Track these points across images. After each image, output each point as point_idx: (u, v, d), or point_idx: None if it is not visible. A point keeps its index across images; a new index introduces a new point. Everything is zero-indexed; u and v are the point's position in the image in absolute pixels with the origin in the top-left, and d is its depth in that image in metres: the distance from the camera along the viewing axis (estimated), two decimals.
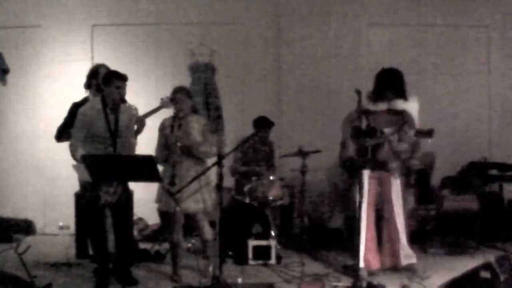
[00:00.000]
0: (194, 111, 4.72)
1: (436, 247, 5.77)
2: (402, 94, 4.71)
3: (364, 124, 4.68)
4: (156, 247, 5.71)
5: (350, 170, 4.76)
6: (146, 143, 4.75)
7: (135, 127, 4.74)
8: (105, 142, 4.37)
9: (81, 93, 5.38)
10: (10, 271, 4.26)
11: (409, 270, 4.77)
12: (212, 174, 4.48)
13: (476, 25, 7.06)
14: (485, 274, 3.71)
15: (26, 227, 6.82)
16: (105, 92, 4.42)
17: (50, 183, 6.83)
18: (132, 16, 7.01)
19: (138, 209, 5.60)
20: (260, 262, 5.20)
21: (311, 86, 6.96)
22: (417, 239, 5.97)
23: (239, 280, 4.53)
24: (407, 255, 4.78)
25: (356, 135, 4.71)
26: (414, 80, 7.05)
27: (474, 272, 3.79)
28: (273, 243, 5.24)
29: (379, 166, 4.70)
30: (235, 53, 7.03)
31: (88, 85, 5.15)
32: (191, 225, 4.91)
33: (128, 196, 4.53)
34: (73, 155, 4.45)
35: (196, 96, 6.65)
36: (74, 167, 4.51)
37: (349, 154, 4.75)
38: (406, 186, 6.10)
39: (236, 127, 6.78)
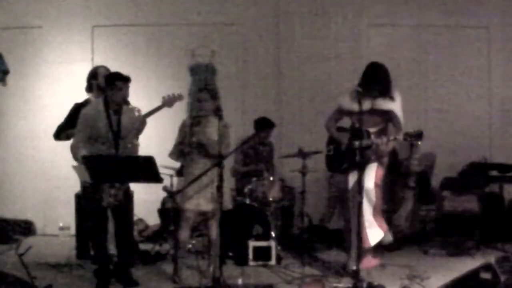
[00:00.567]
0: (218, 113, 4.71)
1: (436, 247, 5.77)
2: (387, 92, 4.59)
3: (355, 125, 4.61)
4: (157, 248, 5.71)
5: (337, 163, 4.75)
6: (146, 144, 4.76)
7: (138, 122, 4.73)
8: (107, 143, 4.37)
9: (81, 94, 5.38)
10: (10, 272, 4.26)
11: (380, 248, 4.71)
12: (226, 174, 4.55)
13: (476, 25, 7.06)
14: (486, 275, 3.70)
15: (27, 228, 6.83)
16: (108, 93, 4.42)
17: (50, 184, 6.83)
18: (132, 17, 7.01)
19: (138, 210, 5.61)
20: (260, 263, 5.20)
21: (311, 86, 6.96)
22: (417, 239, 5.99)
23: (240, 281, 4.52)
24: (374, 233, 4.60)
25: (343, 135, 4.72)
26: (414, 80, 7.10)
27: (475, 273, 3.79)
28: (273, 244, 5.24)
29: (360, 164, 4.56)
30: (235, 53, 7.03)
31: (89, 88, 5.15)
32: (194, 225, 4.91)
33: (128, 197, 4.53)
34: (75, 156, 4.45)
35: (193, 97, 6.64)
36: (74, 167, 4.52)
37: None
38: (405, 187, 6.13)
39: (236, 128, 6.73)
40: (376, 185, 4.62)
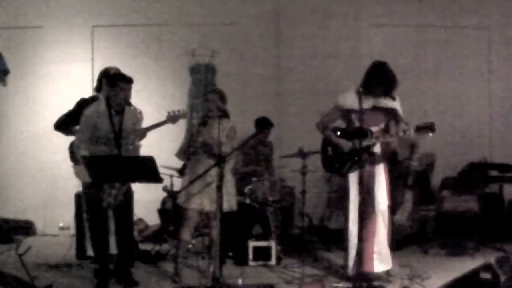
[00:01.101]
0: (225, 115, 4.71)
1: (436, 247, 5.77)
2: (392, 91, 4.59)
3: (356, 124, 4.51)
4: (157, 247, 5.71)
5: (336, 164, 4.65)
6: (146, 144, 4.76)
7: (141, 123, 4.73)
8: (109, 144, 4.37)
9: (81, 94, 5.38)
10: (10, 272, 4.26)
11: (380, 277, 4.56)
12: (229, 174, 4.56)
13: (477, 26, 7.06)
14: (485, 275, 3.70)
15: (27, 228, 6.83)
16: (110, 94, 4.42)
17: (50, 184, 6.84)
18: (132, 17, 7.01)
19: (138, 210, 5.60)
20: (260, 263, 5.20)
21: (311, 86, 6.96)
22: (417, 239, 5.99)
23: (239, 281, 4.52)
24: (383, 259, 4.54)
25: (346, 137, 4.56)
26: (414, 80, 7.10)
27: (474, 273, 3.79)
28: (273, 244, 5.24)
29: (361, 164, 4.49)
30: (235, 53, 7.03)
31: (99, 88, 5.14)
32: (195, 225, 4.91)
33: (128, 197, 4.53)
34: (72, 156, 4.45)
35: (196, 97, 6.66)
36: (75, 168, 4.52)
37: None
38: (404, 187, 6.12)
39: (236, 128, 6.75)
40: (388, 206, 4.61)
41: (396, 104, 4.62)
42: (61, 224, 6.70)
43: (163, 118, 5.00)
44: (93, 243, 4.72)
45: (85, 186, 4.67)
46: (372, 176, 4.55)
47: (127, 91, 4.46)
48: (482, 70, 7.10)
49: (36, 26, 6.95)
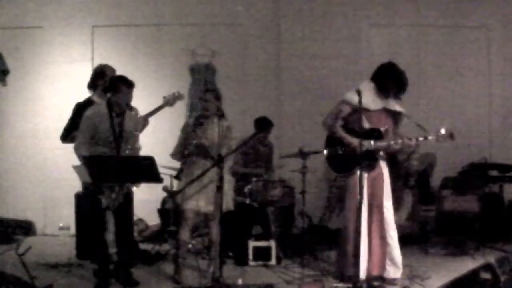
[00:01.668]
0: (221, 114, 4.70)
1: (436, 247, 5.77)
2: (400, 95, 4.58)
3: (365, 124, 4.46)
4: (157, 248, 5.71)
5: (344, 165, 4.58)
6: (146, 144, 4.75)
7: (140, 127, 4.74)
8: (109, 146, 4.37)
9: (81, 94, 5.38)
10: (10, 272, 4.26)
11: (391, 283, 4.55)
12: (226, 175, 4.54)
13: (476, 25, 7.06)
14: (485, 275, 3.70)
15: (27, 228, 6.83)
16: (112, 97, 4.41)
17: (50, 184, 6.84)
18: (132, 17, 7.01)
19: (138, 210, 5.60)
20: (261, 263, 5.21)
21: (311, 86, 6.96)
22: (417, 239, 5.99)
23: (240, 281, 4.52)
24: (395, 265, 4.55)
25: (359, 136, 4.38)
26: (414, 80, 7.05)
27: (474, 273, 3.79)
28: (273, 244, 5.25)
29: (373, 166, 4.52)
30: (235, 53, 7.03)
31: (92, 86, 5.14)
32: (194, 225, 4.92)
33: (128, 198, 4.53)
34: (79, 158, 4.45)
35: (196, 97, 6.65)
36: (75, 168, 4.51)
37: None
38: (405, 187, 6.12)
39: (236, 128, 6.73)
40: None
41: (403, 108, 4.62)
42: (61, 224, 6.70)
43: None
44: (92, 243, 4.72)
45: (85, 186, 4.67)
46: (380, 175, 4.55)
47: (129, 95, 4.46)
48: (482, 70, 7.10)
49: (36, 26, 6.95)
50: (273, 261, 5.21)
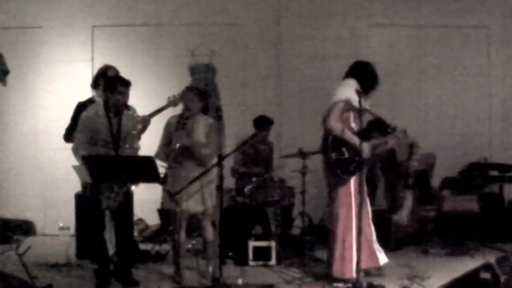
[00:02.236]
0: (204, 111, 4.67)
1: (436, 247, 5.77)
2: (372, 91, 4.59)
3: (352, 124, 4.46)
4: (157, 248, 5.71)
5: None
6: (146, 144, 4.76)
7: (140, 126, 4.73)
8: (107, 146, 4.37)
9: (81, 94, 5.38)
10: (10, 271, 4.26)
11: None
12: (214, 175, 4.50)
13: (476, 25, 7.06)
14: (485, 275, 3.71)
15: (27, 228, 6.83)
16: (108, 97, 4.42)
17: (50, 184, 6.84)
18: (132, 17, 7.01)
19: (138, 210, 5.60)
20: (260, 263, 5.21)
21: (311, 86, 6.95)
22: (417, 239, 5.99)
23: (239, 281, 4.53)
24: (381, 254, 4.58)
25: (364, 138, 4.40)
26: (414, 80, 7.10)
27: (474, 272, 3.79)
28: (273, 244, 5.25)
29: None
30: (235, 53, 7.02)
31: (95, 85, 5.15)
32: (192, 225, 4.92)
33: (128, 197, 4.53)
34: (76, 158, 4.45)
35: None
36: (75, 168, 4.51)
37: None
38: (405, 187, 6.12)
39: (236, 128, 6.77)
40: None
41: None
42: (61, 224, 6.70)
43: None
44: (92, 244, 4.72)
45: (85, 186, 4.67)
46: (363, 181, 4.55)
47: (125, 94, 4.46)
48: (482, 70, 7.10)
49: (36, 26, 6.95)
50: (273, 261, 5.21)
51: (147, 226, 6.56)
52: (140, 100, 5.24)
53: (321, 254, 5.60)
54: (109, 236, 4.59)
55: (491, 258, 3.92)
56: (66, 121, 5.18)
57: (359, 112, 4.28)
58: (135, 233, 6.04)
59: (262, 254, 5.22)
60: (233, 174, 6.15)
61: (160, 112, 5.01)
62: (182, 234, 4.72)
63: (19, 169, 6.97)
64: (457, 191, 6.13)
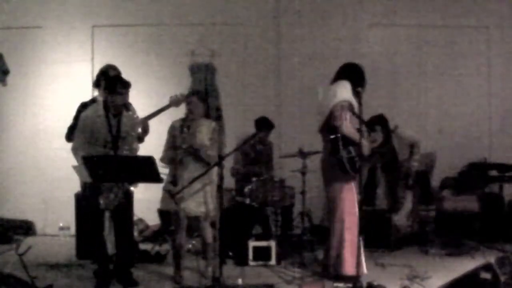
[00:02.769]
0: (206, 115, 4.70)
1: (436, 247, 5.77)
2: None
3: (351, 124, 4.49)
4: (157, 248, 5.71)
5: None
6: (146, 144, 4.76)
7: (139, 130, 4.73)
8: (107, 146, 4.37)
9: (81, 94, 5.38)
10: (10, 272, 4.26)
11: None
12: (215, 176, 4.50)
13: (476, 25, 7.07)
14: (485, 275, 3.70)
15: (27, 228, 6.83)
16: (108, 98, 4.42)
17: (50, 184, 6.84)
18: (132, 17, 7.01)
19: (138, 210, 5.60)
20: (261, 263, 5.20)
21: (311, 86, 6.95)
22: (417, 239, 5.99)
23: (239, 281, 4.52)
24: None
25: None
26: (414, 80, 7.11)
27: (474, 273, 3.79)
28: (273, 244, 5.24)
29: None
30: (235, 53, 7.03)
31: (97, 85, 5.15)
32: (192, 226, 4.92)
33: (128, 197, 4.53)
34: (76, 158, 4.46)
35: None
36: (75, 168, 4.51)
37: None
38: (405, 187, 6.13)
39: (236, 128, 6.78)
40: None
41: None
42: (61, 224, 6.70)
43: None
44: (91, 244, 4.72)
45: (85, 186, 4.67)
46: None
47: (125, 95, 4.46)
48: (482, 70, 7.11)
49: (36, 26, 6.95)
50: (273, 261, 5.21)
51: (147, 226, 6.56)
52: (140, 100, 5.25)
53: (321, 254, 5.60)
54: (109, 236, 4.58)
55: (491, 258, 3.91)
56: (66, 121, 5.18)
57: (357, 112, 4.30)
58: (135, 233, 6.04)
59: (262, 254, 5.22)
60: (233, 174, 6.15)
61: (162, 112, 5.00)
62: (183, 235, 4.72)
63: (19, 169, 6.97)
64: (457, 191, 6.13)
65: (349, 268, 4.45)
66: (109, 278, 4.48)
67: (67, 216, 6.24)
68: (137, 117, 4.67)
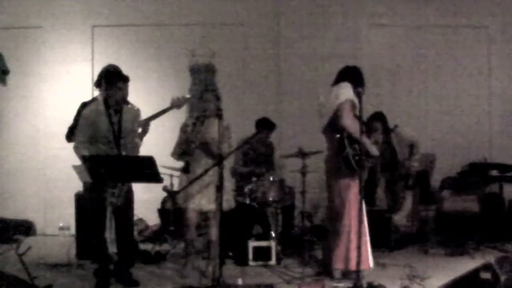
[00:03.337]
0: (219, 115, 4.73)
1: (436, 247, 5.77)
2: None
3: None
4: (157, 248, 5.71)
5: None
6: (146, 144, 4.75)
7: (140, 129, 4.73)
8: (108, 143, 4.37)
9: (81, 94, 5.38)
10: (10, 272, 4.26)
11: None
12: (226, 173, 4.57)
13: (476, 25, 7.07)
14: (485, 275, 3.71)
15: (27, 228, 6.84)
16: (107, 93, 4.42)
17: (50, 184, 6.84)
18: (132, 17, 7.02)
19: (138, 210, 5.59)
20: (261, 263, 5.20)
21: (311, 86, 6.95)
22: (417, 239, 5.99)
23: (240, 281, 4.52)
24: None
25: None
26: (414, 80, 7.11)
27: (475, 273, 3.80)
28: (273, 244, 5.24)
29: None
30: (235, 53, 7.03)
31: (98, 84, 5.14)
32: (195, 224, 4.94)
33: (129, 197, 4.53)
34: (78, 157, 4.45)
35: (196, 97, 6.63)
36: (75, 168, 4.52)
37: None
38: (405, 187, 6.13)
39: (236, 128, 6.72)
40: None
41: None
42: (61, 224, 6.70)
43: (163, 117, 4.99)
44: (91, 243, 4.71)
45: (86, 186, 4.67)
46: None
47: (124, 90, 4.45)
48: (482, 70, 7.11)
49: (36, 26, 6.96)
50: (273, 261, 5.21)
51: (147, 226, 6.56)
52: (140, 100, 5.23)
53: (321, 254, 5.60)
54: (110, 236, 4.58)
55: (491, 258, 3.91)
56: (66, 121, 5.17)
57: (360, 113, 4.31)
58: (135, 233, 6.03)
59: (262, 254, 5.22)
60: (234, 174, 6.15)
61: (163, 114, 4.99)
62: (193, 232, 4.79)
63: (19, 169, 6.98)
64: (457, 191, 6.13)
65: (362, 264, 4.49)
66: (109, 278, 4.48)
67: (67, 216, 6.24)
68: (138, 109, 4.64)
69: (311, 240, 5.79)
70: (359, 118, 4.39)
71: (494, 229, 5.99)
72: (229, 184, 4.77)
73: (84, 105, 5.01)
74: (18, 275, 4.09)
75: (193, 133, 4.69)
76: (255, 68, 7.04)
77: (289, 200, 5.99)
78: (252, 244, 5.24)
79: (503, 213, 6.24)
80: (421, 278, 4.62)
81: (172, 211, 5.92)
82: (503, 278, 3.61)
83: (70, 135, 5.06)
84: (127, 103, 4.68)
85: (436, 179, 6.59)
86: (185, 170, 4.70)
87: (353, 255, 4.47)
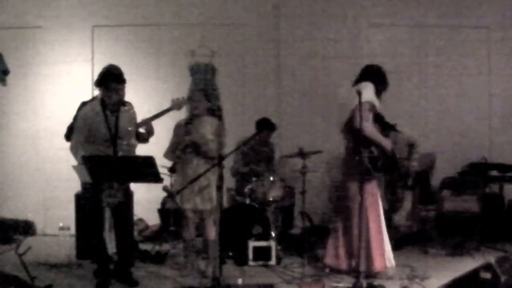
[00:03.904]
0: (212, 113, 4.76)
1: (436, 248, 5.77)
2: None
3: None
4: (157, 248, 5.70)
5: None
6: (149, 144, 4.76)
7: (142, 130, 4.72)
8: (105, 144, 4.37)
9: (81, 94, 5.38)
10: (10, 272, 4.26)
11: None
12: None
13: (477, 25, 7.06)
14: (486, 275, 3.70)
15: (27, 228, 6.83)
16: (104, 94, 4.41)
17: (50, 184, 6.84)
18: (132, 17, 7.01)
19: (138, 210, 5.61)
20: (260, 263, 5.20)
21: (311, 86, 6.97)
22: (417, 239, 5.99)
23: (239, 281, 4.53)
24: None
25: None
26: (414, 80, 7.10)
27: (475, 273, 3.79)
28: (273, 244, 5.24)
29: None
30: (235, 53, 7.03)
31: (98, 83, 5.13)
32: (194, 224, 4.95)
33: (128, 197, 4.53)
34: (75, 157, 4.45)
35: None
36: (74, 168, 4.51)
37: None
38: (405, 187, 6.13)
39: (236, 128, 6.77)
40: None
41: None
42: (61, 224, 6.70)
43: (163, 117, 4.99)
44: (91, 243, 4.71)
45: (85, 186, 4.67)
46: None
47: (121, 91, 4.44)
48: (482, 70, 7.10)
49: (36, 26, 6.95)
50: (273, 261, 5.21)
51: (147, 226, 6.56)
52: (140, 100, 5.24)
53: (321, 254, 5.60)
54: (109, 235, 4.58)
55: (491, 258, 3.90)
56: (66, 121, 5.18)
57: (360, 112, 4.30)
58: (135, 233, 6.04)
59: (262, 254, 5.22)
60: (234, 174, 6.15)
61: (163, 115, 4.98)
62: (191, 231, 4.82)
63: (19, 169, 6.97)
64: (457, 191, 6.12)
65: (380, 264, 4.58)
66: (109, 278, 4.48)
67: (67, 216, 6.23)
68: (134, 111, 4.64)
69: (311, 240, 5.79)
70: (381, 119, 4.42)
71: (494, 229, 5.99)
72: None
73: (84, 104, 5.01)
74: (18, 275, 4.09)
75: (183, 134, 4.73)
76: (255, 68, 7.03)
77: (289, 200, 5.99)
78: (252, 244, 5.24)
79: (503, 213, 6.24)
80: (421, 278, 4.63)
81: (172, 211, 5.91)
82: (503, 278, 3.61)
83: (69, 135, 5.06)
84: (124, 104, 4.67)
85: (436, 179, 6.59)
86: (172, 170, 4.73)
87: (376, 254, 4.56)
